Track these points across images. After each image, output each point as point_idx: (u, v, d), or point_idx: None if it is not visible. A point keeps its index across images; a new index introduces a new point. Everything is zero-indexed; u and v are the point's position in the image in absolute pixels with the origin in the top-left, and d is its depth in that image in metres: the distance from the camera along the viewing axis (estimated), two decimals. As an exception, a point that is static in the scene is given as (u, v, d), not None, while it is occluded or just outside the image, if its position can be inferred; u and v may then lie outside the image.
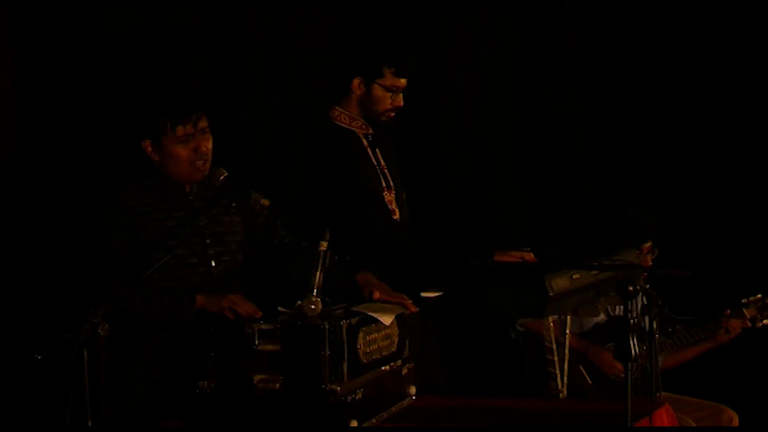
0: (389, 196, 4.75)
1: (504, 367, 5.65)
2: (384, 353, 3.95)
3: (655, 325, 3.86)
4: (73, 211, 5.25)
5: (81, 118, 5.61)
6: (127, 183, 4.08)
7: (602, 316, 5.31)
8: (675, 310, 5.06)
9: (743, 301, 5.46)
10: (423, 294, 4.15)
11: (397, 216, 4.76)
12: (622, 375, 3.88)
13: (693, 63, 6.18)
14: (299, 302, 3.79)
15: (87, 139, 5.59)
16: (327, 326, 3.60)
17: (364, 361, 3.78)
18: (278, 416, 3.61)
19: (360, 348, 3.75)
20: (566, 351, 4.98)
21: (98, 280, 3.95)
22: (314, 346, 3.59)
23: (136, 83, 5.52)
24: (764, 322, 5.45)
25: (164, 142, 4.02)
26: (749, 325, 5.44)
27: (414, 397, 4.12)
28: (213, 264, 4.07)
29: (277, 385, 3.61)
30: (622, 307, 3.61)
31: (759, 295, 5.46)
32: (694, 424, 5.06)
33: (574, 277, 3.99)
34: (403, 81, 4.70)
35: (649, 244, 5.28)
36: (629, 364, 3.57)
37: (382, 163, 4.79)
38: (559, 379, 4.96)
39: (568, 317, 4.94)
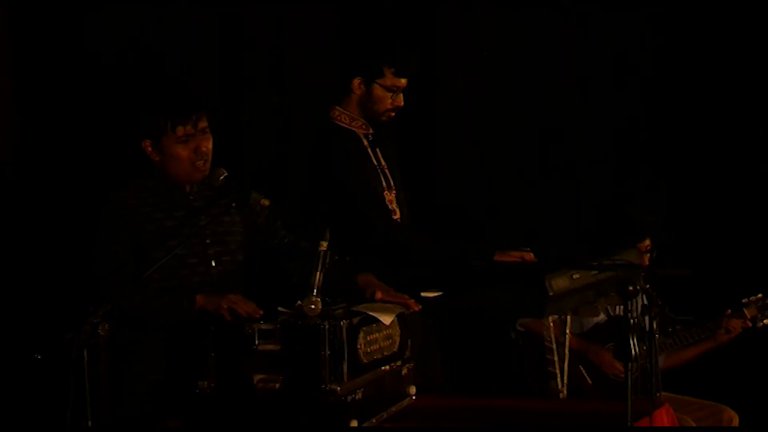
0: (389, 196, 4.75)
1: (504, 367, 5.65)
2: (385, 353, 3.95)
3: (655, 325, 3.86)
4: (73, 211, 5.25)
5: (81, 118, 5.61)
6: (127, 183, 4.08)
7: (602, 316, 5.31)
8: (675, 310, 5.05)
9: (743, 300, 5.46)
10: (423, 294, 4.15)
11: (397, 216, 4.75)
12: (622, 375, 3.89)
13: (693, 63, 6.17)
14: (299, 302, 3.78)
15: (87, 139, 5.59)
16: (327, 326, 3.60)
17: (365, 361, 3.78)
18: (278, 416, 3.61)
19: (360, 348, 3.75)
20: (566, 351, 4.97)
21: (98, 280, 3.95)
22: (314, 346, 3.59)
23: (136, 83, 5.52)
24: (765, 321, 5.45)
25: (164, 142, 4.01)
26: (750, 325, 5.44)
27: (414, 397, 4.12)
28: (213, 264, 4.07)
29: (277, 385, 3.61)
30: (622, 307, 3.61)
31: (759, 295, 5.46)
32: (694, 424, 5.06)
33: (574, 277, 3.99)
34: (403, 81, 4.70)
35: (646, 243, 5.28)
36: (629, 364, 3.57)
37: (383, 163, 4.79)
38: (559, 379, 4.95)
39: (568, 317, 4.93)
